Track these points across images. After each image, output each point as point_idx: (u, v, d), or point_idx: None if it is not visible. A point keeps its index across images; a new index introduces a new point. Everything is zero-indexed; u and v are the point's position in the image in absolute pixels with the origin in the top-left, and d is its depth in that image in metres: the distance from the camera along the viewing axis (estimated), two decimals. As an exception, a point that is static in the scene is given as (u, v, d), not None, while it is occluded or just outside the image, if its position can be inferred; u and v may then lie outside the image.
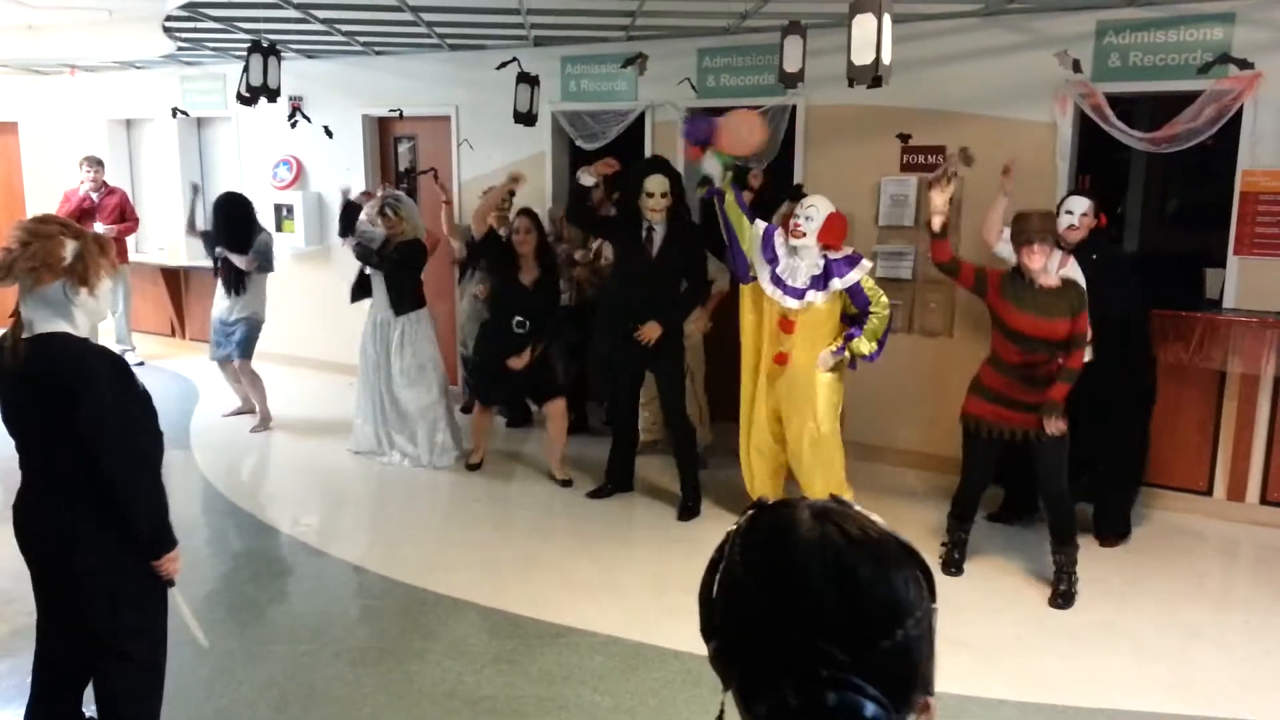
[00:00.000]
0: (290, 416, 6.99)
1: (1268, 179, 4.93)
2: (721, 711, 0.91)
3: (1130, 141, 5.21)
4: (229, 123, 8.69)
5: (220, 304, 6.66)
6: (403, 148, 8.09)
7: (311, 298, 8.17)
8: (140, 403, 2.54)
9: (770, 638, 0.86)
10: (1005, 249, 4.58)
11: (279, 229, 8.05)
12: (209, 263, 7.07)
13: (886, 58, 3.63)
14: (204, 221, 7.41)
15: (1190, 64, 5.00)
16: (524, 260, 5.56)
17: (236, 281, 6.54)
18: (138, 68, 8.85)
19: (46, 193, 9.12)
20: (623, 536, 5.00)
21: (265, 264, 6.57)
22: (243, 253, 6.44)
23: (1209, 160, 6.49)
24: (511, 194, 6.01)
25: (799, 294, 4.63)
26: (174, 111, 8.37)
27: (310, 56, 7.79)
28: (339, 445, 6.33)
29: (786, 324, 4.67)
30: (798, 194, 4.82)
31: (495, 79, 6.60)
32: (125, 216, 8.42)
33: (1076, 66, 5.17)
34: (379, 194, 6.18)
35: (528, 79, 6.36)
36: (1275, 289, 4.95)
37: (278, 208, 8.16)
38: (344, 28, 6.50)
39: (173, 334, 9.51)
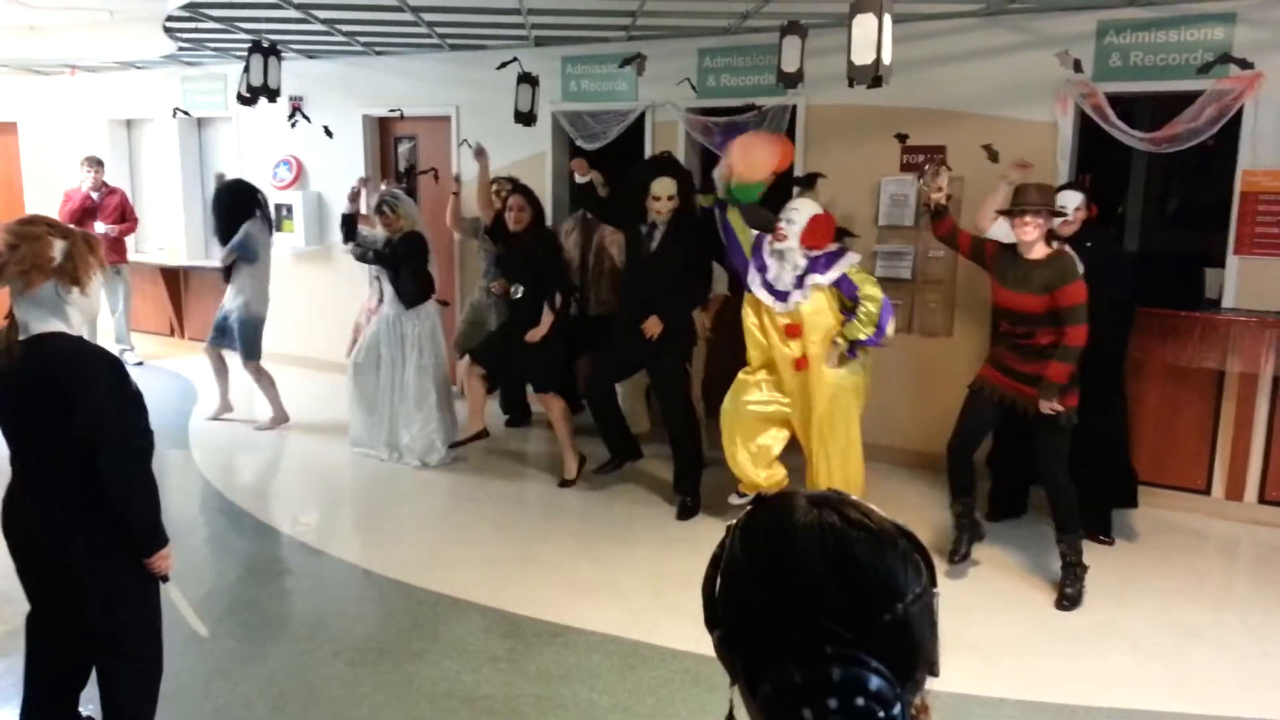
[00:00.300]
0: (291, 417, 6.98)
1: (1268, 179, 4.93)
2: (731, 709, 0.92)
3: (1131, 141, 5.21)
4: (229, 123, 8.71)
5: (226, 293, 6.74)
6: (403, 148, 8.10)
7: (311, 297, 8.18)
8: (135, 402, 2.54)
9: (773, 623, 0.88)
10: (996, 232, 4.57)
11: (279, 229, 8.05)
12: (209, 263, 7.10)
13: (887, 58, 3.62)
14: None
15: (1191, 64, 5.00)
16: (520, 236, 5.58)
17: (226, 268, 6.63)
18: (138, 68, 8.87)
19: (46, 193, 9.13)
20: (621, 536, 5.00)
21: (245, 254, 6.55)
22: (224, 242, 6.53)
23: (1209, 160, 6.48)
24: (511, 182, 6.00)
25: (784, 297, 4.63)
26: (175, 112, 8.38)
27: (311, 56, 7.80)
28: (338, 444, 6.33)
29: (792, 329, 4.64)
30: (811, 182, 4.81)
31: (496, 79, 6.60)
32: (125, 216, 8.44)
33: (1077, 66, 5.17)
34: (382, 186, 6.24)
35: (528, 79, 6.36)
36: (1275, 289, 4.95)
37: (278, 207, 8.16)
38: (344, 28, 6.50)
39: (172, 334, 9.52)
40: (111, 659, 2.69)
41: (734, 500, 4.94)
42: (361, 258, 5.96)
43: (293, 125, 7.20)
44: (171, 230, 9.25)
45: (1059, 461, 4.17)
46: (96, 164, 8.33)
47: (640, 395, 6.13)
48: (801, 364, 4.66)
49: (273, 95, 5.62)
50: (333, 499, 5.78)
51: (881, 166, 5.86)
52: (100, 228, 7.97)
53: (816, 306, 4.58)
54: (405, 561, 4.63)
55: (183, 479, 5.80)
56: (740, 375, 4.88)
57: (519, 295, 5.55)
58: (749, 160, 4.76)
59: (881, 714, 0.82)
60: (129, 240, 8.82)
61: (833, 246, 4.61)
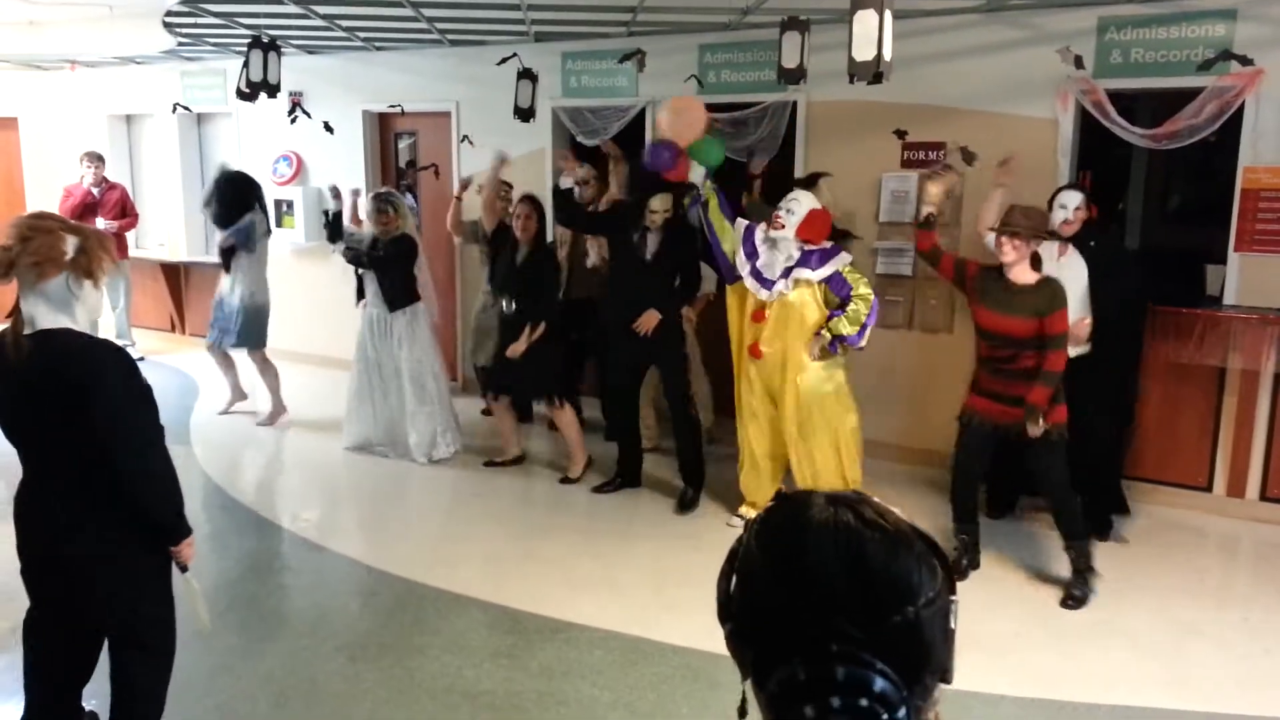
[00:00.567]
0: (291, 412, 6.98)
1: (1269, 175, 4.93)
2: (744, 701, 0.92)
3: (1131, 138, 5.20)
4: (229, 118, 8.70)
5: (222, 283, 6.72)
6: (403, 143, 8.09)
7: (312, 293, 8.17)
8: (145, 395, 2.55)
9: (785, 619, 0.88)
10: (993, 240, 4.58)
11: (279, 224, 8.05)
12: (209, 258, 7.09)
13: (888, 54, 3.62)
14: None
15: (1192, 60, 4.99)
16: (523, 245, 5.56)
17: (226, 258, 6.62)
18: (138, 63, 8.85)
19: (47, 188, 9.13)
20: (623, 532, 5.01)
21: (245, 244, 6.56)
22: (223, 228, 6.54)
23: (1210, 157, 6.48)
24: (510, 187, 6.00)
25: (770, 285, 4.67)
26: (175, 107, 8.37)
27: (311, 52, 7.79)
28: (339, 441, 6.33)
29: (758, 314, 4.73)
30: (812, 182, 4.82)
31: (496, 74, 6.60)
32: (126, 212, 8.43)
33: (1078, 63, 5.16)
34: (378, 191, 6.23)
35: (528, 75, 6.35)
36: (1276, 285, 4.95)
37: (278, 203, 8.16)
38: (344, 23, 6.49)
39: (172, 329, 9.52)
40: (129, 651, 2.68)
41: (732, 523, 5.02)
42: (355, 260, 5.93)
43: (293, 121, 7.20)
44: (172, 226, 9.24)
45: (1057, 474, 4.15)
46: (97, 159, 8.32)
47: (649, 405, 6.09)
48: (755, 350, 4.73)
49: (273, 91, 5.61)
50: (334, 495, 5.78)
51: (882, 163, 5.85)
52: (101, 223, 7.96)
53: (800, 299, 4.63)
54: (407, 557, 4.63)
55: (184, 475, 5.64)
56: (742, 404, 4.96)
57: (511, 310, 5.55)
58: (678, 126, 4.74)
59: (885, 716, 0.82)
60: (129, 236, 8.80)
61: (826, 244, 4.65)
